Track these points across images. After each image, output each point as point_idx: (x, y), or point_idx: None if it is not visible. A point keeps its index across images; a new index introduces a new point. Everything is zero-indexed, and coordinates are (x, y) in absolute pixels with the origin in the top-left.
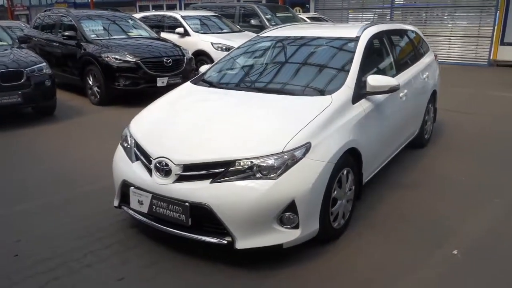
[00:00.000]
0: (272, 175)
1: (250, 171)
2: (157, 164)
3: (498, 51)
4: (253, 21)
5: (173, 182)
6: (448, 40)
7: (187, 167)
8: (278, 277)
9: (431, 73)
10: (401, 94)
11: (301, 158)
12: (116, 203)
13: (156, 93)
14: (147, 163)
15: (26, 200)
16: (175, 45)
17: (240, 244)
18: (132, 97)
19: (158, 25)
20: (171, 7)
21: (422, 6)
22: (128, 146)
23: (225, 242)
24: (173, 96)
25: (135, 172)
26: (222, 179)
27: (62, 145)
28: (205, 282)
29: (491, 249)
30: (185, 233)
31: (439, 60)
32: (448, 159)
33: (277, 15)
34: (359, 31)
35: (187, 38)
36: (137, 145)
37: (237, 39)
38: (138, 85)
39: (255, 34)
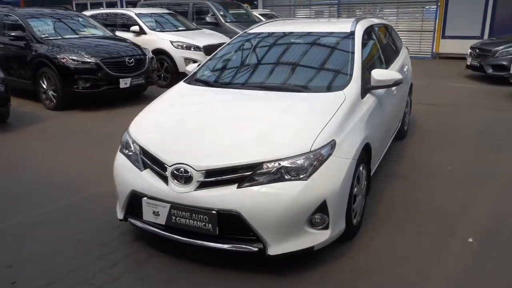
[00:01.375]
0: (302, 176)
1: (279, 173)
2: (175, 172)
3: (440, 44)
4: (208, 18)
5: (195, 190)
6: None
7: (209, 172)
8: (311, 280)
9: (408, 66)
10: (393, 88)
11: (328, 157)
12: (121, 215)
13: (119, 95)
14: (160, 171)
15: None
16: (135, 44)
17: (273, 250)
18: (92, 100)
19: (110, 24)
20: (111, 5)
21: (367, 2)
22: (131, 154)
23: (256, 249)
24: (171, 98)
25: (146, 181)
26: (250, 183)
27: (24, 155)
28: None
29: (502, 234)
30: (212, 244)
31: None
32: (428, 149)
33: (229, 11)
34: (352, 26)
35: (143, 36)
36: (144, 152)
37: (197, 37)
38: (99, 87)
39: (212, 32)
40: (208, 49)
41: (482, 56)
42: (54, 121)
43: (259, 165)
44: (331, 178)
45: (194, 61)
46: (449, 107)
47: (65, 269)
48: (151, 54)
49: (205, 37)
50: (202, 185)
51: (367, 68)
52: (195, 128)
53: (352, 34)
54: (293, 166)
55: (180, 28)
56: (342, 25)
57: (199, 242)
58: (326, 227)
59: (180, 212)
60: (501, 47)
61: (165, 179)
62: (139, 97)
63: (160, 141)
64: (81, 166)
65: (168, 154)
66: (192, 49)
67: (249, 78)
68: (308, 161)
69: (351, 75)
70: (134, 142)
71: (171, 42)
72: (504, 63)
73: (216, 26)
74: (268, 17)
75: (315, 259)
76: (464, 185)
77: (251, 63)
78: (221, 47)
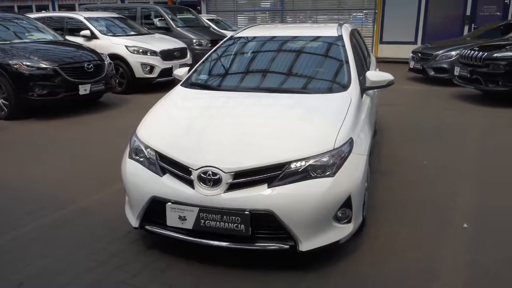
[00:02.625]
0: (328, 173)
1: (306, 172)
2: (202, 175)
3: (378, 49)
4: (158, 23)
5: (224, 192)
6: None
7: (238, 174)
8: (336, 273)
9: (377, 67)
10: None
11: (348, 154)
12: (136, 223)
13: (77, 103)
14: (184, 175)
15: None
16: (91, 49)
17: (304, 246)
18: (45, 109)
19: (56, 28)
20: (42, 8)
21: (310, 9)
22: (143, 159)
23: (287, 246)
24: (175, 102)
25: (169, 186)
26: (280, 183)
27: None
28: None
29: (491, 218)
30: (244, 245)
31: None
32: (398, 145)
33: (178, 16)
34: (338, 30)
35: (95, 41)
36: (162, 157)
37: (153, 42)
38: (57, 94)
39: (165, 36)
40: (165, 54)
41: (424, 60)
42: (7, 132)
43: (287, 164)
44: (353, 174)
45: (151, 67)
46: (402, 107)
47: (84, 283)
48: (109, 59)
49: (161, 42)
50: (231, 187)
51: (358, 70)
52: (213, 131)
53: (340, 37)
54: (319, 164)
55: (131, 33)
56: (328, 30)
57: (232, 244)
58: (349, 221)
59: (210, 215)
60: (441, 51)
61: (189, 183)
62: (95, 104)
63: (178, 145)
64: (56, 178)
65: (192, 158)
66: (148, 54)
67: (251, 81)
68: (333, 158)
69: (349, 76)
70: (147, 147)
71: (127, 47)
72: (445, 66)
73: (167, 31)
74: (215, 22)
75: (335, 252)
76: (442, 178)
77: (249, 66)
78: (211, 51)
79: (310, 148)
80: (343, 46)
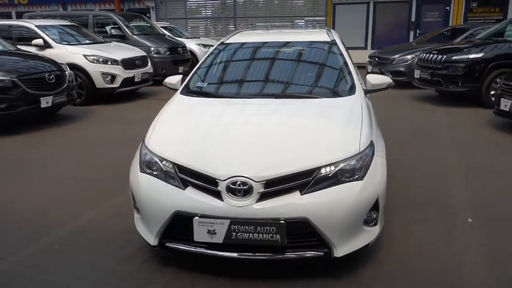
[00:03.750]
0: (356, 177)
1: (335, 176)
2: (231, 185)
3: None
4: (113, 31)
5: (256, 202)
6: None
7: (269, 182)
8: (368, 275)
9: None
10: None
11: (372, 156)
12: (154, 242)
13: (37, 116)
14: (211, 187)
15: None
16: (49, 59)
17: (339, 252)
18: (7, 123)
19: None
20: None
21: (262, 16)
22: (158, 173)
23: (322, 253)
24: (181, 111)
25: (194, 199)
26: (312, 189)
27: None
28: None
29: (490, 211)
30: (281, 255)
31: None
32: None
33: (131, 24)
34: (329, 36)
35: (49, 50)
36: (181, 169)
37: (112, 51)
38: (16, 108)
39: (123, 44)
40: (127, 63)
41: (381, 64)
42: None
43: (317, 170)
44: (379, 177)
45: (113, 76)
46: None
47: None
48: (69, 70)
49: (120, 50)
50: (262, 196)
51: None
52: (234, 140)
53: (334, 42)
54: (347, 168)
55: (86, 41)
56: (318, 35)
57: (270, 256)
58: (376, 223)
59: (242, 227)
60: (397, 56)
61: (216, 194)
62: (54, 118)
63: (199, 157)
64: (37, 199)
65: (218, 169)
66: (109, 63)
67: (257, 88)
68: (360, 162)
69: (352, 80)
70: (163, 160)
71: (85, 56)
72: (402, 69)
73: (122, 39)
74: (169, 29)
75: (361, 255)
76: (427, 175)
77: (251, 72)
78: (204, 58)
79: (338, 152)
80: (339, 50)
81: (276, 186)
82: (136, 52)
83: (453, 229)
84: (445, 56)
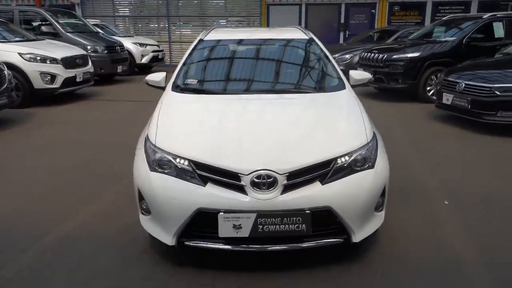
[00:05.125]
0: (367, 165)
1: (350, 166)
2: (255, 179)
3: None
4: (44, 28)
5: (281, 194)
6: None
7: (291, 174)
8: (382, 261)
9: None
10: None
11: (377, 146)
12: (172, 241)
13: None
14: (234, 182)
15: None
16: None
17: (357, 238)
18: None
19: None
20: None
21: (196, 15)
22: (173, 170)
23: (342, 240)
24: (182, 108)
25: (217, 195)
26: (331, 179)
27: None
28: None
29: (461, 192)
30: (304, 244)
31: None
32: None
33: (61, 20)
34: (306, 34)
35: None
36: (198, 166)
37: (50, 49)
38: None
39: (56, 42)
40: (67, 62)
41: None
42: None
43: (333, 160)
44: (385, 165)
45: (53, 76)
46: None
47: None
48: (8, 70)
49: (58, 48)
50: (286, 188)
51: None
52: (248, 135)
53: (312, 39)
54: (359, 157)
55: (17, 39)
56: (294, 33)
57: (295, 246)
58: (382, 209)
59: (269, 219)
60: (337, 55)
61: (239, 189)
62: None
63: (217, 152)
64: (9, 207)
65: (241, 164)
66: (48, 62)
67: (250, 84)
68: (369, 151)
69: (339, 75)
70: (176, 157)
71: (21, 54)
72: (341, 68)
73: (55, 36)
74: (100, 27)
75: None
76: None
77: (240, 69)
78: (186, 55)
79: (351, 143)
80: (320, 47)
81: (298, 178)
82: (76, 51)
83: (434, 212)
84: (386, 55)
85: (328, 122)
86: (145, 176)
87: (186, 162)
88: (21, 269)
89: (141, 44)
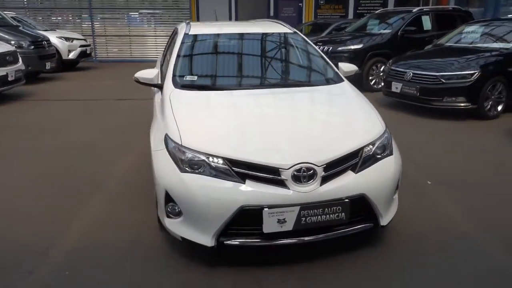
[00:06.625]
0: (387, 153)
1: (374, 154)
2: (295, 173)
3: None
4: None
5: (321, 185)
6: (154, 40)
7: (328, 165)
8: (409, 243)
9: None
10: None
11: (390, 134)
12: (212, 242)
13: None
14: (274, 177)
15: None
16: None
17: (384, 221)
18: None
19: None
20: None
21: (120, 8)
22: (207, 170)
23: (372, 224)
24: (196, 106)
25: (259, 192)
26: (361, 167)
27: None
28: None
29: (439, 172)
30: (340, 232)
31: (148, 59)
32: None
33: None
34: (288, 27)
35: None
36: (234, 163)
37: None
38: None
39: None
40: None
41: None
42: None
43: (361, 149)
44: (397, 152)
45: None
46: None
47: None
48: None
49: None
50: (323, 179)
51: None
52: (276, 129)
53: (297, 33)
54: (380, 145)
55: None
56: (277, 27)
57: (332, 235)
58: (396, 192)
59: (311, 211)
60: None
61: (280, 183)
62: None
63: (252, 148)
64: None
65: (280, 158)
66: None
67: (254, 79)
68: (387, 139)
69: (331, 67)
70: (209, 156)
71: None
72: None
73: None
74: (18, 20)
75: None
76: None
77: (238, 64)
78: (177, 51)
79: (372, 131)
80: (306, 41)
81: (334, 169)
82: (4, 47)
83: (421, 192)
84: (331, 47)
85: (345, 113)
86: (176, 178)
87: (221, 161)
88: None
89: (67, 39)
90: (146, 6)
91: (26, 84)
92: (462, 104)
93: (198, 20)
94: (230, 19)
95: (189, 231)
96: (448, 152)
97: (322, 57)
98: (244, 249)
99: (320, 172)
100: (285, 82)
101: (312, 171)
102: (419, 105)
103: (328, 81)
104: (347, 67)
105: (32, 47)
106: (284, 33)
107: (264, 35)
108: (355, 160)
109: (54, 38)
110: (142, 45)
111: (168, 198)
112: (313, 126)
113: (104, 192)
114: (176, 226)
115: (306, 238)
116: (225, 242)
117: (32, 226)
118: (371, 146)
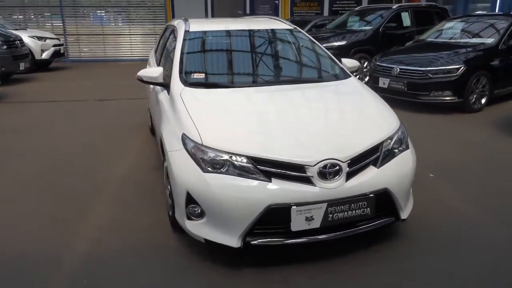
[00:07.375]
0: (404, 147)
1: (392, 148)
2: (321, 169)
3: None
4: None
5: (346, 181)
6: (128, 39)
7: (352, 161)
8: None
9: None
10: None
11: (404, 129)
12: (238, 243)
13: None
14: (300, 174)
15: None
16: None
17: (404, 214)
18: None
19: None
20: None
21: (94, 5)
22: (230, 169)
23: (393, 218)
24: (211, 105)
25: (286, 189)
26: (383, 162)
27: None
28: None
29: (439, 165)
30: (365, 227)
31: (123, 58)
32: None
33: None
34: (287, 23)
35: None
36: (258, 161)
37: None
38: None
39: None
40: None
41: None
42: None
43: (381, 144)
44: (412, 146)
45: None
46: None
47: None
48: None
49: None
50: (348, 175)
51: None
52: (297, 126)
53: (297, 29)
54: (397, 139)
55: None
56: (277, 23)
57: (355, 229)
58: (411, 186)
59: (338, 207)
60: None
61: (306, 180)
62: None
63: (275, 146)
64: None
65: (305, 155)
66: None
67: (266, 75)
68: (403, 133)
69: (336, 63)
70: (232, 154)
71: None
72: None
73: None
74: None
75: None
76: None
77: (246, 61)
78: (180, 48)
79: (389, 127)
80: (308, 37)
81: (358, 164)
82: None
83: (425, 185)
84: None
85: (360, 108)
86: (198, 178)
87: (245, 159)
88: None
89: (40, 38)
90: (120, 4)
91: (0, 85)
92: (449, 98)
93: (173, 18)
94: (206, 16)
95: (212, 232)
96: (441, 145)
97: (327, 53)
98: (269, 248)
99: (345, 168)
100: (296, 78)
101: (337, 167)
102: (407, 100)
103: (337, 77)
104: (350, 63)
105: (5, 47)
106: (288, 29)
107: (266, 32)
108: (376, 155)
109: (26, 37)
110: (116, 44)
111: (189, 199)
112: (332, 122)
113: (104, 195)
114: (198, 228)
115: (332, 234)
116: (252, 242)
117: (38, 235)
118: (389, 141)
